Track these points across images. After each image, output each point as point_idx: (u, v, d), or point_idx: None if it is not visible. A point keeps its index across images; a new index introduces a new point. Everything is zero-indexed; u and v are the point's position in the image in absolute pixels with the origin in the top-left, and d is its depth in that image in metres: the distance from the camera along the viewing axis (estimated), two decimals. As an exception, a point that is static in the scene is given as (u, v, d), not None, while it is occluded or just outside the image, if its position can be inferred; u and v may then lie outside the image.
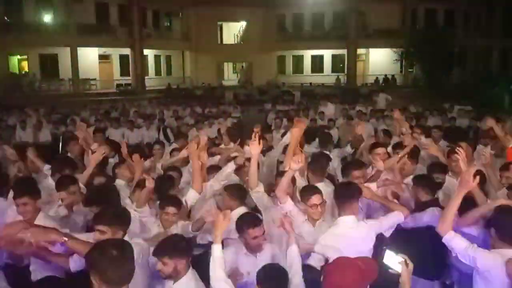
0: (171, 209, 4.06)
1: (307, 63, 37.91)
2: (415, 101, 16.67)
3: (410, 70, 34.08)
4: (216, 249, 3.22)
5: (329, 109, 13.51)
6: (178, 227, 4.06)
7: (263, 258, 3.62)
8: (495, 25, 32.19)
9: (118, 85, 31.17)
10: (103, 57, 31.75)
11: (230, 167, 4.81)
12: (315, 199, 3.96)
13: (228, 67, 40.81)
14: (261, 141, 4.50)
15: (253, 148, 4.41)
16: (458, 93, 20.34)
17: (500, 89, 20.75)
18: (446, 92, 22.10)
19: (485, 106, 14.86)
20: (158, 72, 35.93)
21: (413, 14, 34.02)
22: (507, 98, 19.49)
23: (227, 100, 23.90)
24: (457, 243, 3.10)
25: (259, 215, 4.17)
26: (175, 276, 3.13)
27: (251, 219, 3.63)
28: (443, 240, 3.18)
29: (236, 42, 38.41)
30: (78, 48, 28.18)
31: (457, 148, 4.79)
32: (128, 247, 2.49)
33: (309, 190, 4.10)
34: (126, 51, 31.55)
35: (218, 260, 3.19)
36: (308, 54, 37.44)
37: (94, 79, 30.69)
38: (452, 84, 25.56)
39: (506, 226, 3.15)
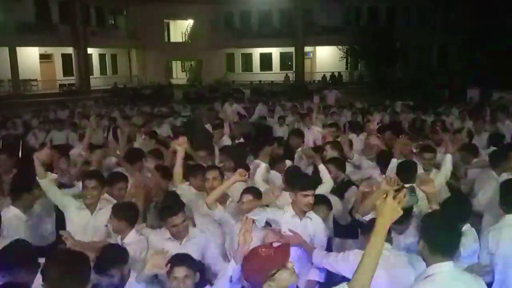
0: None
1: (256, 61, 38.10)
2: (361, 97, 17.15)
3: (356, 67, 35.03)
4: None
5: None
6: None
7: (188, 245, 3.70)
8: (437, 20, 33.62)
9: (61, 85, 30.08)
10: (44, 57, 30.46)
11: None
12: (246, 197, 4.11)
13: (176, 66, 40.32)
14: None
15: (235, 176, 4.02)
16: (401, 89, 21.11)
17: (440, 84, 21.75)
18: (390, 88, 22.89)
19: (427, 101, 15.48)
20: (103, 71, 34.99)
21: (357, 11, 34.96)
22: (446, 92, 20.41)
23: (177, 99, 23.65)
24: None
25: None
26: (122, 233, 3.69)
27: (171, 207, 3.76)
28: None
29: (184, 40, 38.00)
30: (17, 48, 26.90)
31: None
32: (83, 260, 2.43)
33: (244, 191, 4.22)
34: (69, 50, 30.41)
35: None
36: (256, 52, 37.63)
37: (35, 80, 29.42)
38: (395, 80, 26.45)
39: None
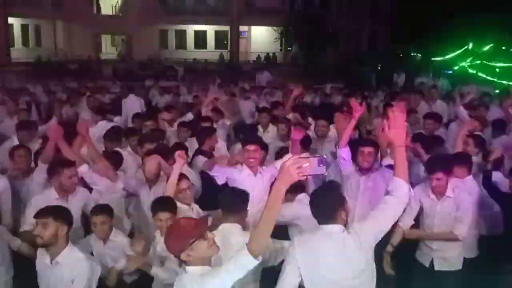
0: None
1: (190, 38, 37.40)
2: (294, 79, 17.38)
3: (289, 49, 35.46)
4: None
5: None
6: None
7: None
8: (365, 8, 34.64)
9: (-23, 57, 27.93)
10: (-43, 24, 28.07)
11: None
12: (183, 184, 3.98)
13: (106, 40, 38.60)
14: None
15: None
16: (332, 72, 21.74)
17: (368, 69, 22.61)
18: (321, 71, 23.46)
19: (356, 84, 16.04)
20: (25, 43, 32.87)
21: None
22: (374, 76, 21.25)
23: (106, 75, 22.82)
24: None
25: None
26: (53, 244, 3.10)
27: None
28: None
29: (114, 13, 36.39)
30: None
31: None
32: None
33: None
34: (-14, 18, 28.24)
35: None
36: (191, 30, 36.93)
37: None
38: (326, 63, 27.15)
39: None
